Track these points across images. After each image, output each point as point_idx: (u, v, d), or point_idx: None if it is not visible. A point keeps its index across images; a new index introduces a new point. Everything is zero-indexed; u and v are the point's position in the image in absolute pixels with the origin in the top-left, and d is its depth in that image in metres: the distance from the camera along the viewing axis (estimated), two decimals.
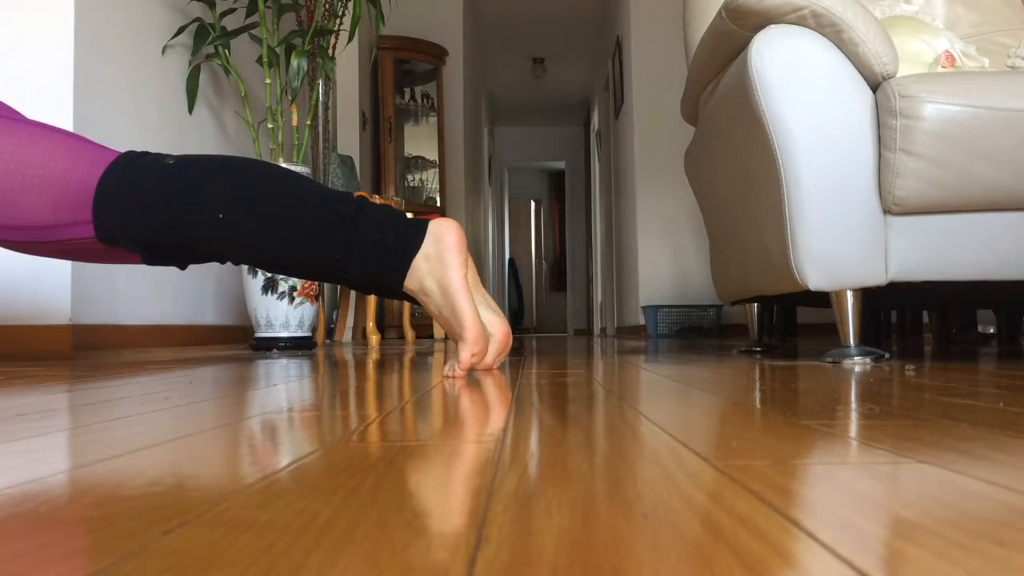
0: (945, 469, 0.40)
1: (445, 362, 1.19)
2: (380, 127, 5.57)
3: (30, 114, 2.27)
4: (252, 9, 2.79)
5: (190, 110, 3.05)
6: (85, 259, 1.18)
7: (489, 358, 1.15)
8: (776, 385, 0.95)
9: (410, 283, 1.10)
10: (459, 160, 5.95)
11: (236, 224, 1.09)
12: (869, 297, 1.65)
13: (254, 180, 1.12)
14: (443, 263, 1.08)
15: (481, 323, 1.09)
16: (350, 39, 2.95)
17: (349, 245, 1.09)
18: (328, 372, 1.31)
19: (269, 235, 1.10)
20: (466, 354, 1.08)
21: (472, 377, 1.09)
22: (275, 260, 1.14)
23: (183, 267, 1.22)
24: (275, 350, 2.34)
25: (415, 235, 1.10)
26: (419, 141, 5.71)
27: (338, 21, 3.01)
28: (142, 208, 1.09)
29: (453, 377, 1.07)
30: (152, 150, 2.79)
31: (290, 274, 1.17)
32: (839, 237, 1.49)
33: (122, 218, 1.09)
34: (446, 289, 1.08)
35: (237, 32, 2.83)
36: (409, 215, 1.17)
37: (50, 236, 1.12)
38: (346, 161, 4.31)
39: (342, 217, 1.09)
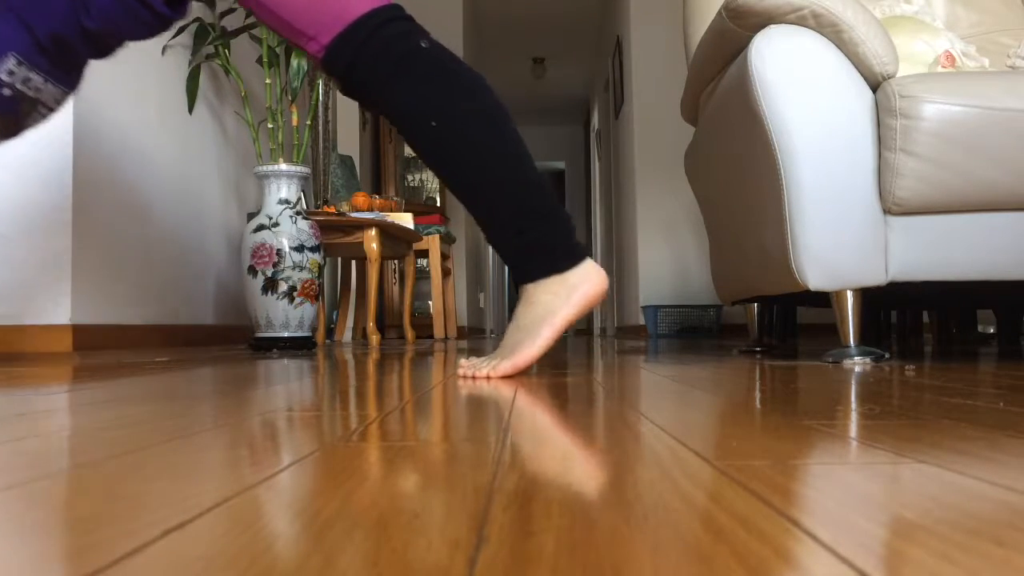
0: (945, 469, 0.40)
1: (445, 359, 1.19)
2: (380, 127, 5.57)
3: None
4: None
5: (190, 110, 3.05)
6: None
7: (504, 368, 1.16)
8: (776, 385, 0.95)
9: (532, 286, 1.13)
10: None
11: (442, 139, 1.14)
12: (869, 297, 1.65)
13: (485, 115, 1.15)
14: (570, 297, 1.11)
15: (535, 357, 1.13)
16: None
17: (518, 230, 1.13)
18: (328, 372, 1.31)
19: (459, 172, 1.14)
20: (506, 367, 1.10)
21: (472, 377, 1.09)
22: (448, 178, 1.17)
23: (366, 109, 1.26)
24: (275, 350, 2.34)
25: (570, 258, 1.13)
26: None
27: None
28: (371, 68, 1.14)
29: (474, 377, 1.08)
30: (152, 150, 2.79)
31: (449, 187, 1.20)
32: (839, 237, 1.49)
33: (350, 64, 1.14)
34: (550, 314, 1.11)
35: (237, 32, 2.83)
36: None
37: (286, 32, 1.18)
38: (346, 161, 4.31)
39: (531, 204, 1.13)
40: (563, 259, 1.13)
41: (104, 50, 1.23)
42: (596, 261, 8.47)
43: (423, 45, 1.15)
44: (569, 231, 1.15)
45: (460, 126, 1.13)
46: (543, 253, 1.13)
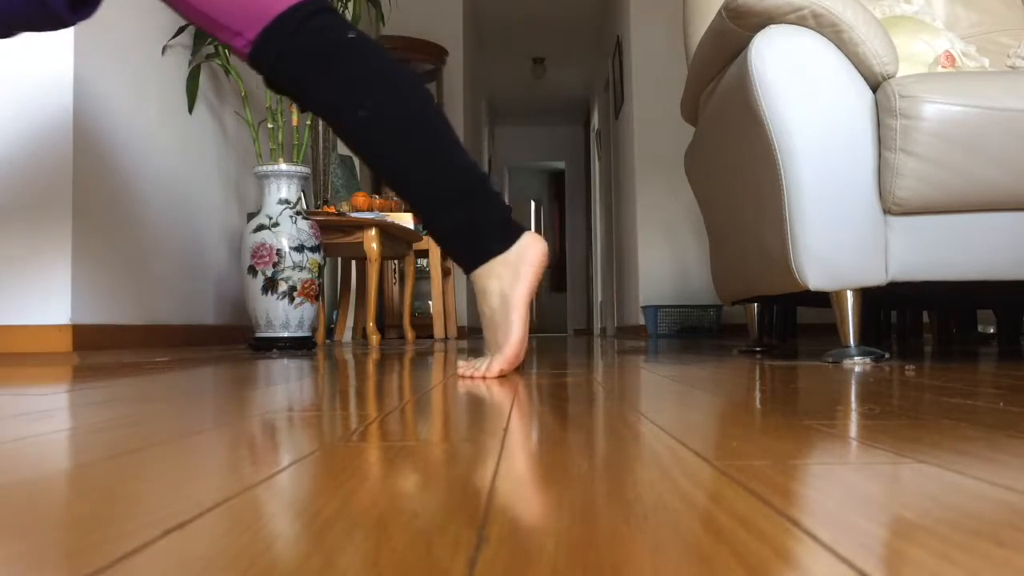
0: (945, 469, 0.40)
1: (445, 359, 1.19)
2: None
3: (30, 114, 2.27)
4: None
5: (190, 110, 3.05)
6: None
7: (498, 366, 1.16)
8: (776, 385, 0.95)
9: (477, 278, 1.14)
10: None
11: (372, 128, 1.14)
12: (869, 297, 1.65)
13: (411, 104, 1.15)
14: (517, 274, 1.12)
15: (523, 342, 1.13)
16: None
17: (450, 213, 1.13)
18: (328, 372, 1.31)
19: (388, 160, 1.15)
20: (499, 365, 1.11)
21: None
22: (377, 170, 1.17)
23: (301, 109, 1.25)
24: (275, 350, 2.34)
25: (507, 238, 1.14)
26: None
27: None
28: (300, 60, 1.14)
29: (472, 377, 1.09)
30: (152, 150, 2.80)
31: (382, 176, 1.20)
32: (839, 237, 1.49)
33: (278, 58, 1.14)
34: (508, 299, 1.12)
35: None
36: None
37: (210, 28, 1.17)
38: (346, 161, 4.31)
39: (461, 185, 1.14)
40: (501, 240, 1.14)
41: (3, 34, 1.23)
42: (596, 261, 8.45)
43: (351, 36, 1.15)
44: (503, 210, 1.16)
45: (389, 114, 1.14)
46: (480, 237, 1.14)
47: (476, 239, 1.14)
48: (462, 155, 1.16)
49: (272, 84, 1.18)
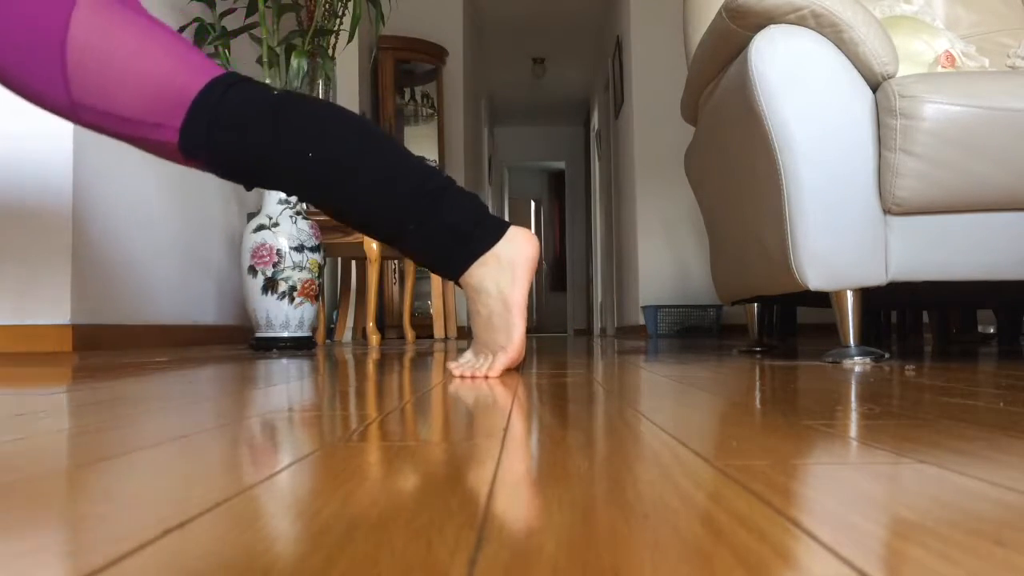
0: (945, 469, 0.40)
1: (444, 359, 1.19)
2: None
3: (31, 115, 2.27)
4: (252, 9, 2.79)
5: None
6: (159, 156, 1.19)
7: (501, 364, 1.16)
8: (776, 385, 0.95)
9: (469, 277, 1.12)
10: (459, 160, 5.95)
11: (324, 170, 1.11)
12: (869, 297, 1.65)
13: (356, 130, 1.13)
14: (514, 274, 1.10)
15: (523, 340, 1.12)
16: (350, 39, 2.95)
17: (426, 219, 1.10)
18: (328, 372, 1.31)
19: (351, 188, 1.11)
20: (502, 364, 1.10)
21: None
22: (345, 211, 1.14)
23: (248, 188, 1.23)
24: (275, 350, 2.34)
25: (494, 232, 1.11)
26: (419, 141, 5.71)
27: (338, 21, 3.01)
28: (232, 129, 1.10)
29: (472, 377, 1.08)
30: None
31: (353, 226, 1.17)
32: (839, 237, 1.49)
33: (209, 134, 1.10)
34: (506, 299, 1.10)
35: (237, 32, 2.83)
36: None
37: (134, 131, 1.13)
38: None
39: (429, 190, 1.10)
40: (486, 235, 1.11)
41: None
42: (596, 261, 8.45)
43: (275, 92, 1.13)
44: (480, 206, 1.13)
45: (339, 145, 1.11)
46: (464, 238, 1.11)
47: (460, 242, 1.11)
48: (419, 161, 1.13)
49: (212, 160, 1.14)
